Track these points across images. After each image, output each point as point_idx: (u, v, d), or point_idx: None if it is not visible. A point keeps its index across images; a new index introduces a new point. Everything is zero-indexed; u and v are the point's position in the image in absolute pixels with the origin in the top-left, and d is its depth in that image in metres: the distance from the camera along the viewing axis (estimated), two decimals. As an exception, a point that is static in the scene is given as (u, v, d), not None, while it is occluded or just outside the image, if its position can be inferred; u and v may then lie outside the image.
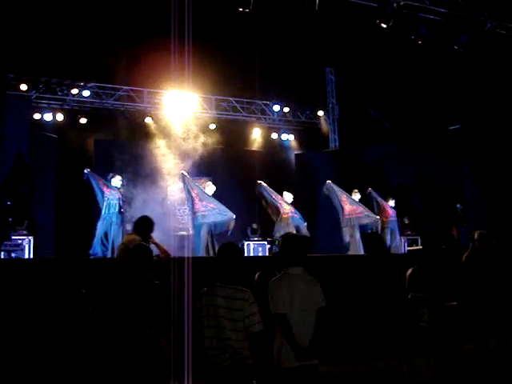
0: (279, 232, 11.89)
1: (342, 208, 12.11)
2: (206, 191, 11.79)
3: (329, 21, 11.57)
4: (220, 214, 11.45)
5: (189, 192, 11.59)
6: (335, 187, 12.26)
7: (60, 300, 4.96)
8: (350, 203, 12.20)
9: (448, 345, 6.08)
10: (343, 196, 12.23)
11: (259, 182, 12.34)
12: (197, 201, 11.48)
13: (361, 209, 12.21)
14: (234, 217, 11.39)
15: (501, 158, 12.75)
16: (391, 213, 12.57)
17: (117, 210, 11.05)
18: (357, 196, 12.44)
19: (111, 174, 11.36)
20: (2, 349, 5.97)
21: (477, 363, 6.60)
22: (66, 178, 13.19)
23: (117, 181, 11.25)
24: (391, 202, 12.69)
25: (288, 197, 12.37)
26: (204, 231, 11.32)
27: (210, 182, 12.18)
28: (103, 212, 10.99)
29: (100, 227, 10.94)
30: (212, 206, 11.49)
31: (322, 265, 7.95)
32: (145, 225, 6.86)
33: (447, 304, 6.71)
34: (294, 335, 4.15)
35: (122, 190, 11.30)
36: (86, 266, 7.78)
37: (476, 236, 7.11)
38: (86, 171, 11.17)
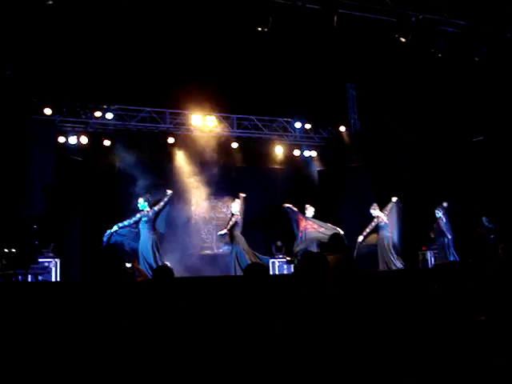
0: (297, 247, 12.21)
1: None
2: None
3: (348, 36, 11.59)
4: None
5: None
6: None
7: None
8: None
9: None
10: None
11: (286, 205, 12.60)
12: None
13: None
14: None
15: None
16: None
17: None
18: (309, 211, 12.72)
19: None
20: (27, 373, 6.00)
21: (507, 377, 6.48)
22: (91, 199, 13.33)
23: (141, 201, 11.47)
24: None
25: (309, 211, 12.47)
26: None
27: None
28: None
29: None
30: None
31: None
32: None
33: (475, 319, 6.62)
34: None
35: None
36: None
37: (500, 250, 7.02)
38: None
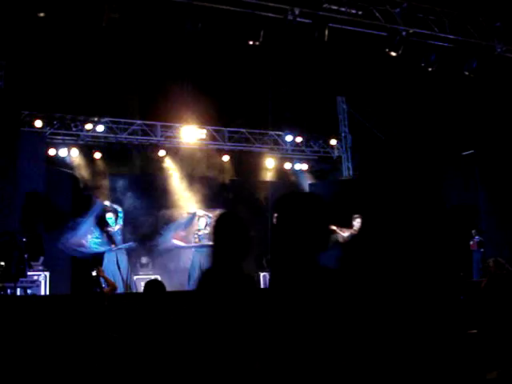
0: None
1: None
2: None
3: (339, 50, 11.66)
4: None
5: None
6: None
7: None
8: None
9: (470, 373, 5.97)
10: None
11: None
12: None
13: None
14: None
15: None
16: None
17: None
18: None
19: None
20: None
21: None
22: (81, 212, 13.26)
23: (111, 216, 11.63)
24: None
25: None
26: None
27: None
28: None
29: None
30: None
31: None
32: None
33: (467, 332, 6.62)
34: None
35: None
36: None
37: (491, 263, 7.03)
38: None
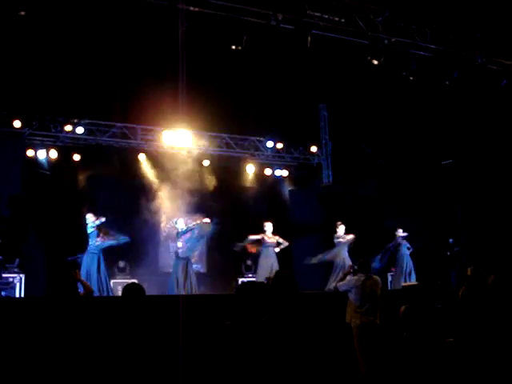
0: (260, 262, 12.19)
1: None
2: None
3: (321, 57, 11.69)
4: None
5: None
6: None
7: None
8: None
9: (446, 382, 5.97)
10: None
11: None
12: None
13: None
14: None
15: (494, 192, 12.77)
16: None
17: None
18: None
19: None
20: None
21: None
22: (58, 214, 13.13)
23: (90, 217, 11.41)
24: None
25: (268, 227, 12.49)
26: None
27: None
28: None
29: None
30: None
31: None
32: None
33: (444, 340, 6.62)
34: None
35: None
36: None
37: (469, 272, 7.04)
38: None
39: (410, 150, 13.89)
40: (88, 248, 11.26)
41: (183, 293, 11.20)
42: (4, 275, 10.72)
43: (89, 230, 11.31)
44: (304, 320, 4.30)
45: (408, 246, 13.10)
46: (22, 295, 11.12)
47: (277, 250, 12.42)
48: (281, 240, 12.51)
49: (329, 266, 12.49)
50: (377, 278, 8.28)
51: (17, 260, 11.65)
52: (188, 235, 11.97)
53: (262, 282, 11.58)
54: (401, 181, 14.34)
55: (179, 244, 11.91)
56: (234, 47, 10.65)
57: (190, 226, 12.04)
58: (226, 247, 13.77)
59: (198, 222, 12.07)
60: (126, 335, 4.54)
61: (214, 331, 4.17)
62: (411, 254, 13.11)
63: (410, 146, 13.82)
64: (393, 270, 13.57)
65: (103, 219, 11.36)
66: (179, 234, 11.98)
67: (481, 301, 6.82)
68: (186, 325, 5.84)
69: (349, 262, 11.69)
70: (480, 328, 6.70)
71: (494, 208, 12.76)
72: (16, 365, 5.61)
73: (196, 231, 12.06)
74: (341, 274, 9.74)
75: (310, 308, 4.73)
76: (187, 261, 11.81)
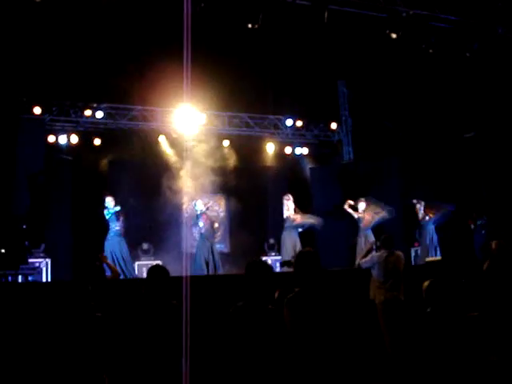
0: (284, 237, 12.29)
1: None
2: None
3: (339, 33, 11.55)
4: None
5: None
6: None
7: (74, 324, 4.92)
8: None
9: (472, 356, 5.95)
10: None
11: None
12: None
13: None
14: None
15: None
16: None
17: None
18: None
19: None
20: (17, 371, 5.96)
21: (501, 374, 6.46)
22: (81, 199, 13.25)
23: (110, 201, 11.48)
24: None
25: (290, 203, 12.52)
26: None
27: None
28: None
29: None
30: None
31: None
32: None
33: (468, 315, 6.59)
34: None
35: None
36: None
37: (494, 246, 6.97)
38: None
39: (432, 124, 13.74)
40: (109, 232, 11.33)
41: (211, 272, 11.31)
42: (30, 260, 10.85)
43: (107, 216, 11.37)
44: (328, 298, 4.31)
45: (434, 220, 12.97)
46: (49, 280, 11.28)
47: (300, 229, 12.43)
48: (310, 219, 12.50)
49: (352, 244, 12.48)
50: (400, 253, 8.26)
51: (42, 245, 11.80)
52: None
53: (287, 261, 11.69)
54: (423, 155, 14.20)
55: (200, 224, 11.97)
56: (250, 26, 10.58)
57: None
58: (249, 227, 13.82)
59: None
60: (152, 316, 4.59)
61: (224, 313, 4.23)
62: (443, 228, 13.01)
63: (431, 120, 13.67)
64: (416, 245, 13.51)
65: (118, 208, 11.45)
66: (198, 216, 12.04)
67: (505, 275, 6.77)
68: (207, 305, 5.87)
69: (371, 239, 11.68)
70: (505, 302, 6.65)
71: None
72: (45, 349, 5.69)
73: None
74: (364, 251, 9.72)
75: (333, 285, 4.74)
76: (212, 241, 11.91)
